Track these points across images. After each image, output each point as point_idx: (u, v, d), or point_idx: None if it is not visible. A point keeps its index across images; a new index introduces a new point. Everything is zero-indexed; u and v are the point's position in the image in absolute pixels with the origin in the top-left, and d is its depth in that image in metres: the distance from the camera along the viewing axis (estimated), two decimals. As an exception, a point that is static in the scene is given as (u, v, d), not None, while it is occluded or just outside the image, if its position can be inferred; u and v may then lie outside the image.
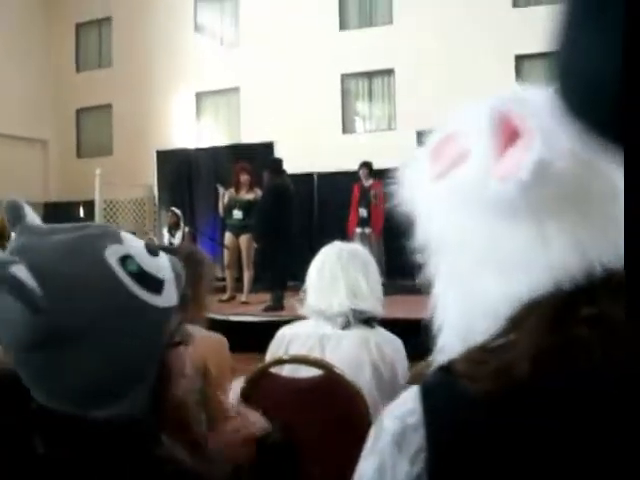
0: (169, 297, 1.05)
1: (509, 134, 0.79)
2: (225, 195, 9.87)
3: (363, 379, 2.39)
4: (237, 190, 9.69)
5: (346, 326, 2.51)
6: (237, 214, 9.63)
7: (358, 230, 10.64)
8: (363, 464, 0.84)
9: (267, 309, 8.74)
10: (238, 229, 9.64)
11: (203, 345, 2.53)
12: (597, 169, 0.78)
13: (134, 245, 1.04)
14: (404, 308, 8.04)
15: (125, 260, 0.99)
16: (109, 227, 1.06)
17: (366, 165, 10.74)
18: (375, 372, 2.49)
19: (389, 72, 13.81)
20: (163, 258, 1.08)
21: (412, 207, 0.89)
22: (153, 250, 1.07)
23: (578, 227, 0.78)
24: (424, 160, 0.89)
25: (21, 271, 0.90)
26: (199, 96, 15.68)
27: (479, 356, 0.79)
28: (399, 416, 0.82)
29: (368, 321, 2.54)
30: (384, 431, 0.83)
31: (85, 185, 12.91)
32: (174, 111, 15.66)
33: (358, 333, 2.51)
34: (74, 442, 0.97)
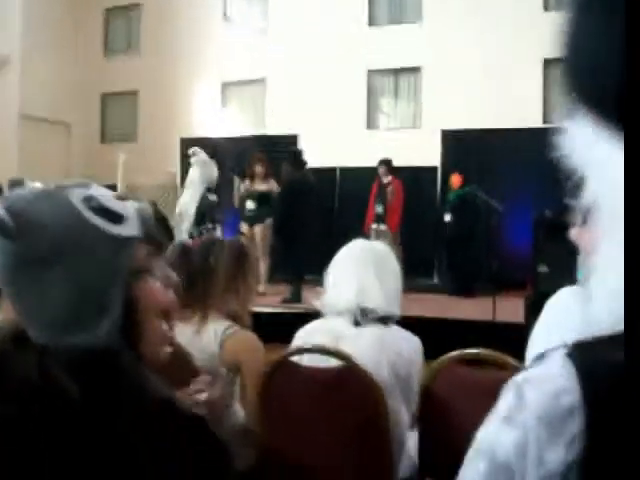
0: (130, 229, 1.14)
1: None
2: (241, 186, 9.88)
3: (381, 377, 2.40)
4: (252, 181, 9.70)
5: (357, 324, 2.51)
6: (250, 205, 9.67)
7: (374, 226, 10.64)
8: (500, 433, 0.78)
9: (285, 301, 8.77)
10: (252, 220, 9.68)
11: (238, 344, 2.55)
12: None
13: (102, 192, 1.16)
14: (419, 306, 8.08)
15: (88, 199, 1.12)
16: (85, 181, 1.19)
17: (385, 162, 10.76)
18: (392, 370, 2.49)
19: (416, 70, 13.74)
20: (130, 203, 1.19)
21: (584, 159, 0.83)
22: (121, 197, 1.19)
23: None
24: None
25: None
26: (225, 86, 15.69)
27: None
28: (550, 393, 0.75)
29: (383, 320, 2.55)
30: (527, 404, 0.76)
31: (108, 170, 12.94)
32: (199, 100, 15.67)
33: (373, 332, 2.52)
34: (49, 369, 1.04)
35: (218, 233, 8.93)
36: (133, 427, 1.02)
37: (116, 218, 1.13)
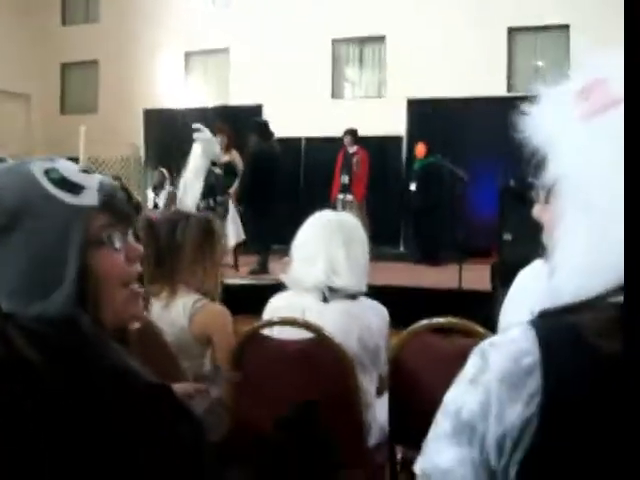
0: (88, 199, 1.15)
1: None
2: None
3: (349, 349, 2.40)
4: None
5: (325, 300, 2.51)
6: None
7: (340, 196, 10.65)
8: (464, 394, 0.84)
9: (252, 272, 8.81)
10: None
11: (207, 317, 2.56)
12: None
13: (66, 165, 1.18)
14: (385, 275, 8.13)
15: (49, 171, 1.15)
16: (52, 157, 1.21)
17: (350, 132, 10.76)
18: (360, 342, 2.50)
19: (381, 39, 13.69)
20: (95, 175, 1.21)
21: (546, 140, 0.88)
22: (86, 170, 1.21)
23: None
24: (565, 98, 0.88)
25: None
26: (188, 56, 15.50)
27: (612, 315, 0.77)
28: (512, 355, 0.80)
29: (351, 295, 2.55)
30: (491, 367, 0.82)
31: (69, 142, 12.75)
32: (162, 70, 15.47)
33: (341, 306, 2.52)
34: (12, 339, 1.03)
35: (230, 205, 8.97)
36: (94, 396, 1.02)
37: (75, 189, 1.15)
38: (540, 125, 0.89)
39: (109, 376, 1.05)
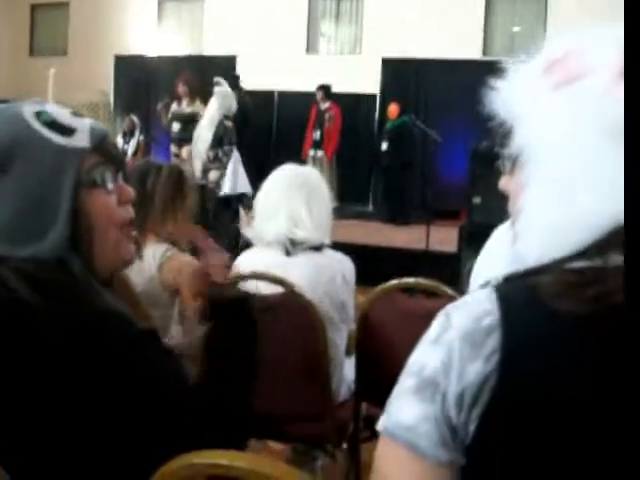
0: (79, 141, 1.16)
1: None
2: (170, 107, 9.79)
3: (317, 303, 2.41)
4: (178, 102, 9.62)
5: (288, 254, 2.52)
6: (176, 127, 9.60)
7: (311, 152, 10.63)
8: (427, 353, 0.87)
9: None
10: (178, 141, 9.61)
11: (176, 266, 2.55)
12: None
13: (55, 109, 1.18)
14: (352, 232, 8.17)
15: (40, 114, 1.15)
16: (41, 100, 1.22)
17: (323, 88, 10.71)
18: (327, 296, 2.51)
19: (359, -6, 13.55)
20: (85, 119, 1.21)
21: (514, 110, 0.91)
22: (75, 113, 1.21)
23: None
24: (537, 69, 0.90)
25: None
26: (161, 2, 15.19)
27: (569, 279, 0.81)
28: (473, 315, 0.84)
29: (315, 247, 2.55)
30: (453, 327, 0.85)
31: (37, 85, 12.49)
32: (135, 15, 15.15)
33: (306, 259, 2.52)
34: (7, 280, 1.06)
35: (235, 153, 8.95)
36: (88, 336, 1.04)
37: (66, 131, 1.15)
38: (508, 97, 0.91)
39: (101, 318, 1.08)
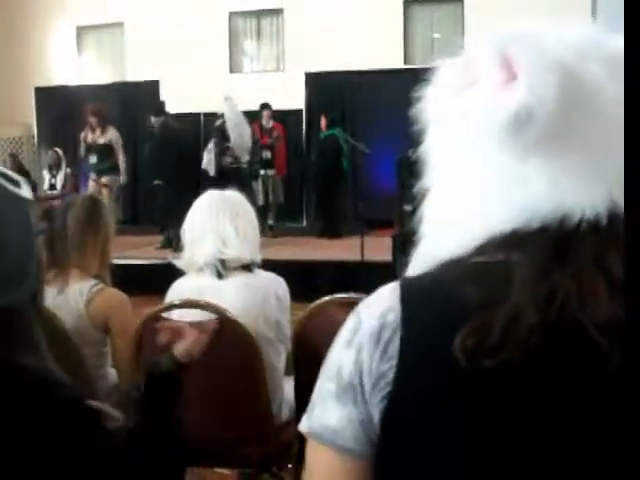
0: (26, 192, 1.16)
1: (509, 70, 0.83)
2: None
3: (252, 325, 2.41)
4: (92, 133, 9.63)
5: (220, 276, 2.51)
6: (92, 159, 9.63)
7: (262, 172, 10.53)
8: (342, 355, 0.88)
9: (161, 247, 9.05)
10: (97, 172, 9.62)
11: (105, 302, 2.52)
12: (586, 110, 0.82)
13: None
14: (288, 250, 8.19)
15: None
16: None
17: (268, 106, 10.71)
18: (262, 316, 2.51)
19: (278, 12, 13.59)
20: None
21: (425, 117, 0.93)
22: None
23: (558, 172, 0.82)
24: (447, 75, 0.92)
25: None
26: (80, 30, 14.98)
27: (469, 269, 0.83)
28: (378, 313, 0.86)
29: (246, 267, 2.55)
30: (362, 327, 0.87)
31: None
32: (54, 46, 14.91)
33: (237, 281, 2.52)
34: None
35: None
36: (13, 406, 1.03)
37: (14, 182, 1.14)
38: (423, 104, 0.93)
39: (30, 387, 1.06)
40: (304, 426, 0.91)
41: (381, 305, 0.86)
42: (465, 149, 0.87)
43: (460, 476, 0.79)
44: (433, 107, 0.92)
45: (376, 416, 0.84)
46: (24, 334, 1.10)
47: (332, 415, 0.87)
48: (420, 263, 0.91)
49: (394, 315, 0.84)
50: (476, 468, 0.78)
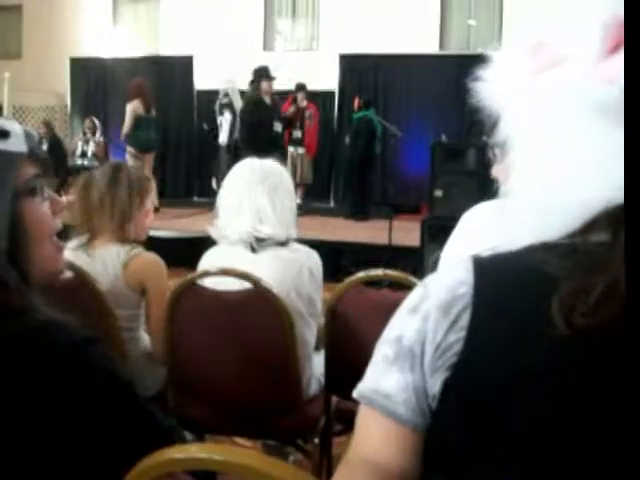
0: (16, 145, 1.10)
1: (618, 40, 0.80)
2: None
3: (285, 298, 2.40)
4: (144, 107, 9.87)
5: (253, 250, 2.50)
6: (143, 133, 9.86)
7: (291, 149, 10.61)
8: (405, 322, 0.88)
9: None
10: (144, 146, 9.88)
11: (142, 264, 2.54)
12: None
13: None
14: (315, 229, 8.17)
15: None
16: None
17: (303, 87, 10.74)
18: (295, 291, 2.50)
19: (315, -10, 13.54)
20: (17, 125, 1.15)
21: (499, 99, 0.91)
22: (5, 117, 1.16)
23: None
24: (516, 57, 0.90)
25: None
26: (116, 2, 15.02)
27: (565, 250, 0.81)
28: (449, 285, 0.85)
29: (280, 243, 2.53)
30: (431, 296, 0.86)
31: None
32: (89, 16, 14.96)
33: (272, 255, 2.50)
34: None
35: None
36: (19, 353, 1.00)
37: (2, 134, 1.10)
38: (492, 88, 0.92)
39: (37, 330, 1.02)
40: (356, 391, 0.91)
41: (452, 277, 0.86)
42: (554, 127, 0.85)
43: (521, 451, 0.77)
44: (506, 89, 0.90)
45: (435, 386, 0.83)
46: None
47: (386, 380, 0.87)
48: (501, 244, 0.88)
49: (466, 288, 0.83)
50: (545, 448, 0.76)
